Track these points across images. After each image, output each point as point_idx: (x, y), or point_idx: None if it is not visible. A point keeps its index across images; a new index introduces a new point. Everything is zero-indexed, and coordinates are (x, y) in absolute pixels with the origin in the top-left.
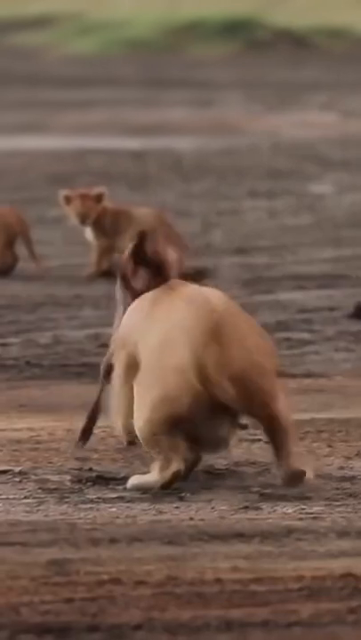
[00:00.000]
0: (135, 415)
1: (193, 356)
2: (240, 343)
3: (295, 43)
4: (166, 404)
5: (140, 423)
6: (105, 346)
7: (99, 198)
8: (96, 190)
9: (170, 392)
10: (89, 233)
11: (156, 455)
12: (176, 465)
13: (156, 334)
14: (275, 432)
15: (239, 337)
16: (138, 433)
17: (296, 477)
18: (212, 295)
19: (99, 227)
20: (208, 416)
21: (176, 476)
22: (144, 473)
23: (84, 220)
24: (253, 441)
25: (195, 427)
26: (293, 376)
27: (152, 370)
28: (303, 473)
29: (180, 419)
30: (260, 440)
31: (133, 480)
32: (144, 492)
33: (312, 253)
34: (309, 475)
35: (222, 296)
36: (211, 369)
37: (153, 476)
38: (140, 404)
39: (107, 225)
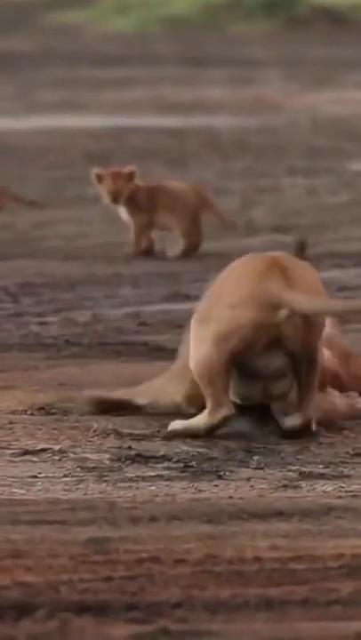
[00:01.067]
0: (191, 354)
1: (257, 287)
2: (305, 280)
3: (334, 20)
4: (224, 339)
5: (196, 359)
6: (143, 324)
7: (130, 176)
8: (128, 168)
9: (227, 328)
10: (123, 212)
11: (208, 396)
12: (227, 409)
13: (220, 279)
14: (306, 376)
15: (304, 277)
16: (194, 371)
17: (298, 427)
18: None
19: (133, 205)
20: (264, 349)
21: (225, 420)
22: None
23: (115, 198)
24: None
25: (252, 361)
26: None
27: (211, 307)
28: (306, 425)
29: (238, 352)
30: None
31: (176, 425)
32: (188, 436)
33: (351, 231)
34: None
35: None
36: (278, 291)
37: (200, 419)
38: (197, 342)
39: (142, 202)
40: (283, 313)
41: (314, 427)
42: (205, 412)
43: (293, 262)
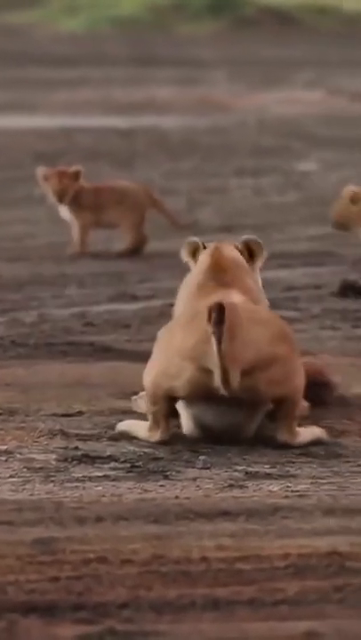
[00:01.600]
0: (146, 369)
1: (197, 344)
2: (242, 338)
3: (281, 20)
4: (166, 379)
5: (147, 378)
6: (90, 324)
7: (76, 176)
8: (73, 168)
9: (171, 370)
10: (64, 211)
11: (149, 414)
12: (161, 434)
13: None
14: (281, 409)
15: (242, 332)
16: (144, 382)
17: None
18: (234, 296)
19: (77, 204)
20: (213, 403)
21: (160, 444)
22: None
23: (61, 197)
24: None
25: (200, 411)
26: None
27: (166, 339)
28: (287, 445)
29: (177, 397)
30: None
31: (123, 425)
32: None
33: (298, 231)
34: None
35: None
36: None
37: (141, 429)
38: (154, 359)
39: (86, 202)
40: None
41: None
42: (147, 425)
43: (232, 314)
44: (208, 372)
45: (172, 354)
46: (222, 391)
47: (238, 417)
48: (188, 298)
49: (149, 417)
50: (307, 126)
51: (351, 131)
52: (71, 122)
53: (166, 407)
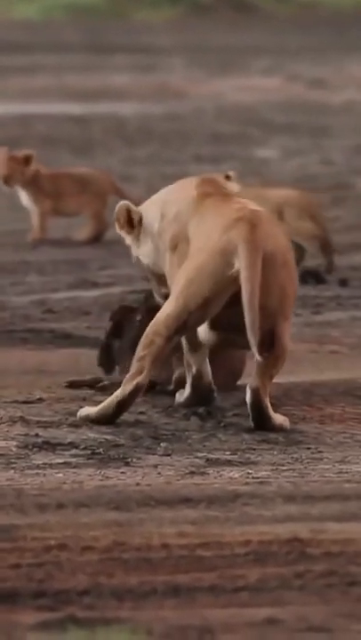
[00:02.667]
0: (162, 311)
1: (223, 236)
2: (275, 236)
3: (238, 7)
4: (184, 309)
5: (164, 313)
6: (50, 311)
7: (27, 160)
8: (23, 152)
9: (196, 275)
10: (24, 198)
11: (136, 360)
12: (143, 377)
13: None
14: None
15: (275, 234)
16: (155, 326)
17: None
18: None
19: (36, 190)
20: (230, 301)
21: (137, 390)
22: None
23: (7, 181)
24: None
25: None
26: None
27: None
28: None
29: (206, 300)
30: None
31: (85, 411)
32: (97, 422)
33: None
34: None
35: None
36: (242, 245)
37: (109, 399)
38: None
39: (45, 188)
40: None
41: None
42: (125, 381)
43: (265, 219)
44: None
45: (197, 258)
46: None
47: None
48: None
49: (132, 365)
50: (265, 113)
51: (309, 117)
52: (27, 109)
53: (163, 350)
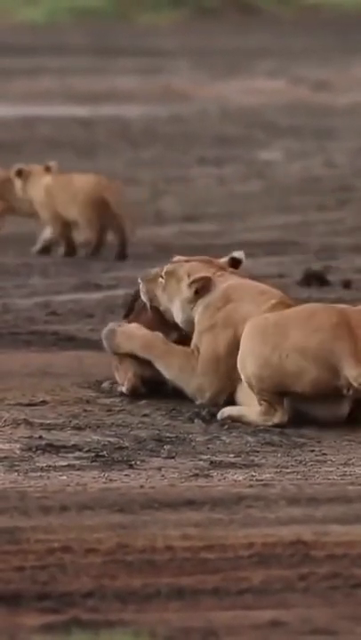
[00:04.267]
0: (243, 359)
1: (323, 343)
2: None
3: (243, 9)
4: (279, 375)
5: (250, 370)
6: (53, 314)
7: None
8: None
9: (288, 367)
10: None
11: (260, 401)
12: (280, 417)
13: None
14: None
15: None
16: (247, 376)
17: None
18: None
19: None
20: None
21: (278, 426)
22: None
23: None
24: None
25: (307, 405)
26: None
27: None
28: None
29: (288, 392)
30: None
31: (231, 411)
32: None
33: (261, 220)
34: None
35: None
36: (345, 359)
37: (253, 415)
38: (253, 351)
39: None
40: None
41: None
42: (259, 409)
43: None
44: (334, 372)
45: (288, 351)
46: (350, 389)
47: (345, 408)
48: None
49: (262, 402)
50: (269, 115)
51: (313, 120)
52: (32, 111)
53: (277, 395)
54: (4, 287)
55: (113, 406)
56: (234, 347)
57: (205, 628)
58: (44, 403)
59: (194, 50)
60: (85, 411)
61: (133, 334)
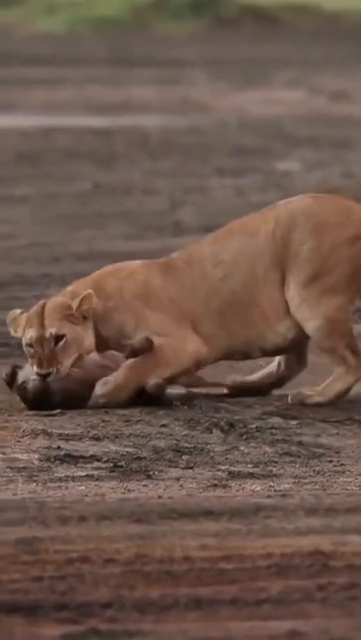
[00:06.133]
0: (312, 311)
1: None
2: None
3: (261, 20)
4: (352, 280)
5: (326, 313)
6: None
7: None
8: None
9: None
10: None
11: (345, 349)
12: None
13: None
14: None
15: None
16: (324, 326)
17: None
18: None
19: None
20: None
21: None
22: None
23: None
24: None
25: None
26: None
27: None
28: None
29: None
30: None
31: (320, 397)
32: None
33: None
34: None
35: None
36: None
37: (337, 384)
38: (320, 295)
39: None
40: None
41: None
42: (340, 373)
43: None
44: None
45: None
46: None
47: None
48: None
49: (344, 355)
50: (287, 126)
51: (331, 130)
52: (50, 121)
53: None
54: (24, 297)
55: (131, 416)
56: (146, 290)
57: (224, 638)
58: (62, 413)
59: (212, 60)
60: (104, 421)
61: (117, 385)
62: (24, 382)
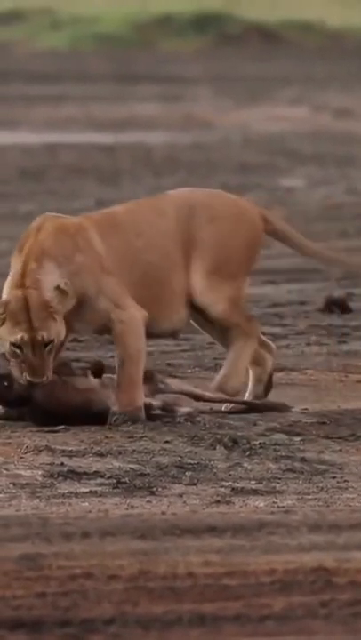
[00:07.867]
0: None
1: None
2: None
3: (265, 37)
4: None
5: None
6: (75, 340)
7: None
8: None
9: None
10: None
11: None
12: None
13: None
14: None
15: None
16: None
17: None
18: None
19: None
20: None
21: None
22: None
23: None
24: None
25: None
26: None
27: None
28: None
29: None
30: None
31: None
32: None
33: (283, 247)
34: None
35: None
36: None
37: (244, 351)
38: None
39: None
40: None
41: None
42: (240, 345)
43: None
44: None
45: None
46: None
47: None
48: None
49: (243, 331)
50: (291, 143)
51: (335, 147)
52: (54, 138)
53: None
54: None
55: (134, 433)
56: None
57: None
58: (65, 429)
59: (216, 77)
60: (107, 437)
61: (126, 412)
62: (2, 379)
